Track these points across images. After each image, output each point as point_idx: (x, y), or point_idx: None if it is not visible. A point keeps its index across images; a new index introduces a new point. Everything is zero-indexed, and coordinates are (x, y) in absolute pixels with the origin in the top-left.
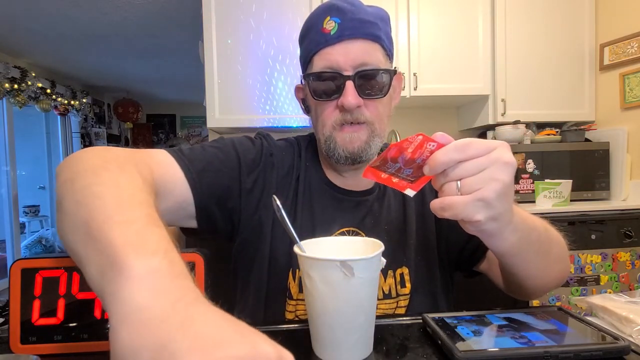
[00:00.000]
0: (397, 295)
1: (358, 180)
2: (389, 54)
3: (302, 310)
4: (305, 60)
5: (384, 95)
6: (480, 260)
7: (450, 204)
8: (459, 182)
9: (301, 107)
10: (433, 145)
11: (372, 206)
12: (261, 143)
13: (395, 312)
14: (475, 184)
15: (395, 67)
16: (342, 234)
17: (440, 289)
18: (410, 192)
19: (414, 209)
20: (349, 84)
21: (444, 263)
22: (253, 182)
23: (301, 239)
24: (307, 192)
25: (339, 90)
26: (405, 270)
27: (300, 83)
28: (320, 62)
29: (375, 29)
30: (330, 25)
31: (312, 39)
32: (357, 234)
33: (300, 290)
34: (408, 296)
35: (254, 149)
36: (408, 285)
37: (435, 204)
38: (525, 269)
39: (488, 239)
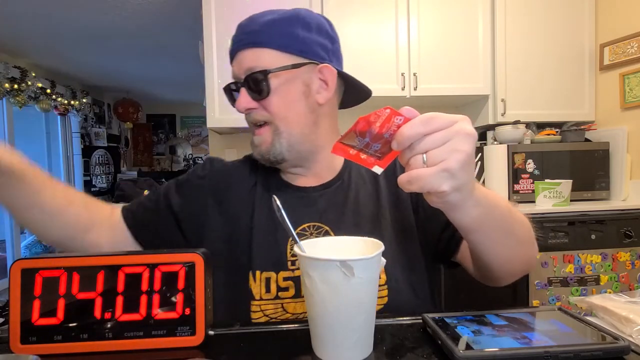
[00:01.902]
0: None
1: (314, 176)
2: (290, 50)
3: (271, 310)
4: None
5: (268, 94)
6: (455, 250)
7: (417, 176)
8: (424, 155)
9: None
10: (400, 119)
11: (335, 198)
12: (193, 171)
13: None
14: (439, 155)
15: (308, 62)
16: (305, 229)
17: (421, 280)
18: (377, 170)
19: (387, 201)
20: (242, 90)
21: (425, 254)
22: (180, 205)
23: (263, 240)
24: (267, 196)
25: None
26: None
27: None
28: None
29: (259, 36)
30: (230, 43)
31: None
32: (319, 228)
33: (267, 290)
34: (385, 287)
35: (183, 180)
36: (383, 276)
37: (402, 178)
38: (490, 247)
39: (452, 212)
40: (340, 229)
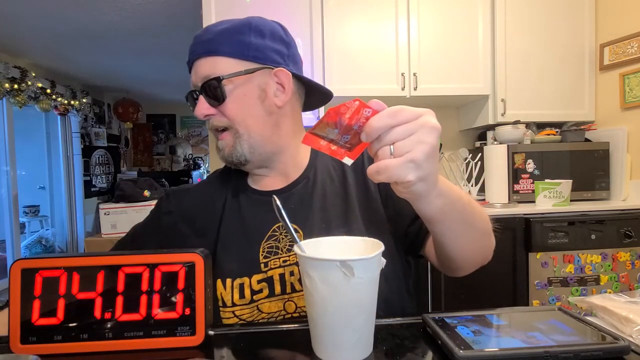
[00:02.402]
0: None
1: (280, 176)
2: (244, 57)
3: (247, 314)
4: None
5: (224, 100)
6: (422, 244)
7: (384, 166)
8: (392, 147)
9: None
10: (368, 112)
11: (301, 198)
12: (158, 207)
13: None
14: (406, 147)
15: (262, 67)
16: (275, 231)
17: (393, 270)
18: (348, 161)
19: (356, 196)
20: (200, 97)
21: (397, 246)
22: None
23: (233, 247)
24: (236, 204)
25: None
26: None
27: None
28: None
29: (212, 45)
30: (189, 53)
31: None
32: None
33: (242, 296)
34: None
35: (153, 216)
36: None
37: (371, 169)
38: (452, 238)
39: (417, 202)
40: (308, 227)
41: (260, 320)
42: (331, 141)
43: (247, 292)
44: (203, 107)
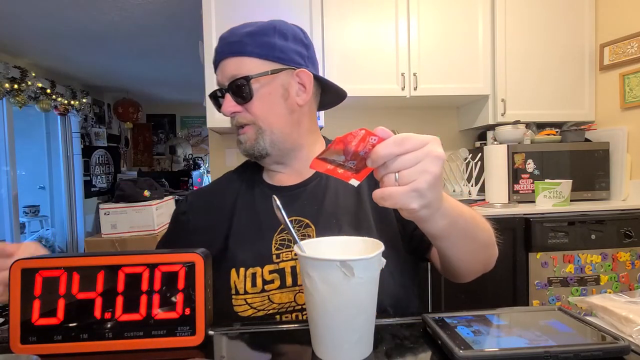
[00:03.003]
0: None
1: (295, 173)
2: (269, 58)
3: (258, 302)
4: None
5: (250, 98)
6: (428, 249)
7: (389, 194)
8: (397, 174)
9: None
10: (374, 139)
11: (314, 194)
12: (176, 209)
13: None
14: (410, 176)
15: (286, 68)
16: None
17: (401, 269)
18: (354, 182)
19: (368, 195)
20: (227, 95)
21: (405, 246)
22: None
23: (247, 238)
24: (250, 198)
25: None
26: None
27: None
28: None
29: (239, 46)
30: (215, 54)
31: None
32: (300, 222)
33: (253, 284)
34: None
35: (175, 216)
36: None
37: (376, 194)
38: (456, 252)
39: (422, 224)
40: (321, 222)
41: (271, 311)
42: (338, 165)
43: (259, 281)
44: (230, 104)
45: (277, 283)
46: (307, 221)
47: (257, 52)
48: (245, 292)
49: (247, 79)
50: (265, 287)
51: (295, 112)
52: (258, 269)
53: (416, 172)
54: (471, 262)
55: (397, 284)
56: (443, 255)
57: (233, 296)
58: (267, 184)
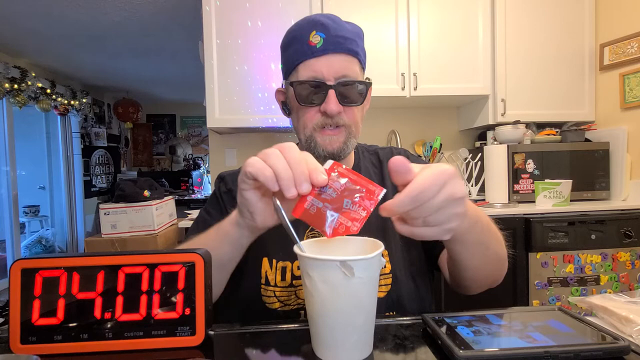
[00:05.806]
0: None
1: None
2: (364, 67)
3: (285, 297)
4: (289, 68)
5: (361, 103)
6: (438, 255)
7: (421, 235)
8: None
9: (281, 108)
10: (344, 180)
11: None
12: (218, 190)
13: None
14: (438, 220)
15: (367, 78)
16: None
17: (420, 273)
18: (354, 227)
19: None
20: (332, 93)
21: (420, 250)
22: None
23: (281, 230)
24: None
25: (322, 98)
26: (385, 252)
27: (281, 87)
28: (306, 72)
29: (354, 45)
30: (316, 39)
31: (297, 50)
32: None
33: (283, 278)
34: (389, 276)
35: (214, 199)
36: (388, 265)
37: (404, 231)
38: (467, 259)
39: None
40: None
41: (296, 307)
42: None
43: (288, 275)
44: (337, 103)
45: None
46: None
47: (362, 58)
48: (275, 285)
49: (367, 85)
50: (294, 282)
51: (362, 119)
52: (288, 264)
53: (444, 217)
54: (481, 271)
55: (418, 288)
56: (454, 261)
57: (263, 286)
58: None
